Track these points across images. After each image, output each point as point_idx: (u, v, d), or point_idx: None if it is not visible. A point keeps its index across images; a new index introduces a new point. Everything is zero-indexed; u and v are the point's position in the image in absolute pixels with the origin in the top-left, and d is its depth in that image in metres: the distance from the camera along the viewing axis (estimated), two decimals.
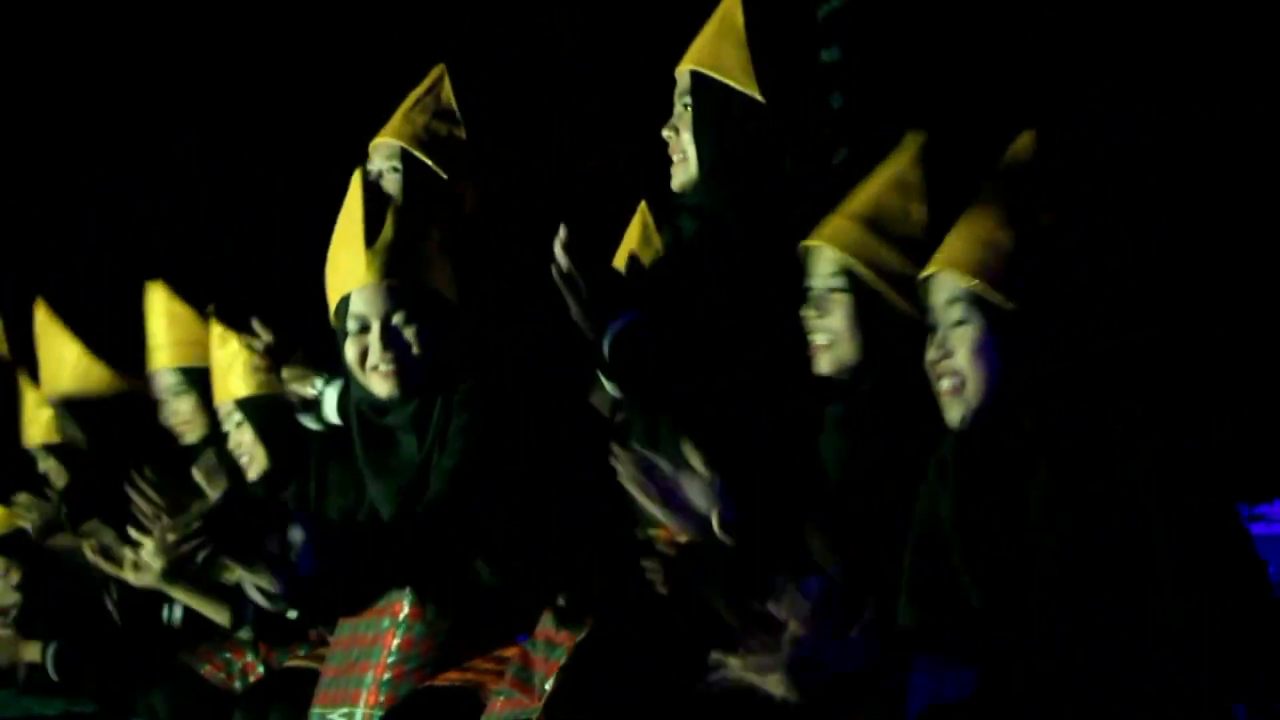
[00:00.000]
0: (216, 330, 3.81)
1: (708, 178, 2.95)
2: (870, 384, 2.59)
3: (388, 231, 3.03)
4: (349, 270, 3.04)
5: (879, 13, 4.50)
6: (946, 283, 2.31)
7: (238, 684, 3.66)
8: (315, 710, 3.18)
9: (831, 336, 2.60)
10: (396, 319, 3.01)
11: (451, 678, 3.10)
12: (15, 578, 4.28)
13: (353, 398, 3.10)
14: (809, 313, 2.63)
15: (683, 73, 3.03)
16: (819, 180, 3.02)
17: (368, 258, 3.01)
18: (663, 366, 2.89)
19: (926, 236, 2.49)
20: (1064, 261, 2.27)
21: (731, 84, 2.96)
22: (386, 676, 3.13)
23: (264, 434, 3.72)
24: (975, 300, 2.28)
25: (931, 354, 2.33)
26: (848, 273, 2.59)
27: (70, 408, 4.26)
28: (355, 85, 5.57)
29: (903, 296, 2.53)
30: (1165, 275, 3.84)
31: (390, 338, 3.00)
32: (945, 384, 2.32)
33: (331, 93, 5.63)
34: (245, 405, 3.72)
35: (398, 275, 3.01)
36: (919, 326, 2.37)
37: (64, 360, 4.26)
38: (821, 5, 4.56)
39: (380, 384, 3.02)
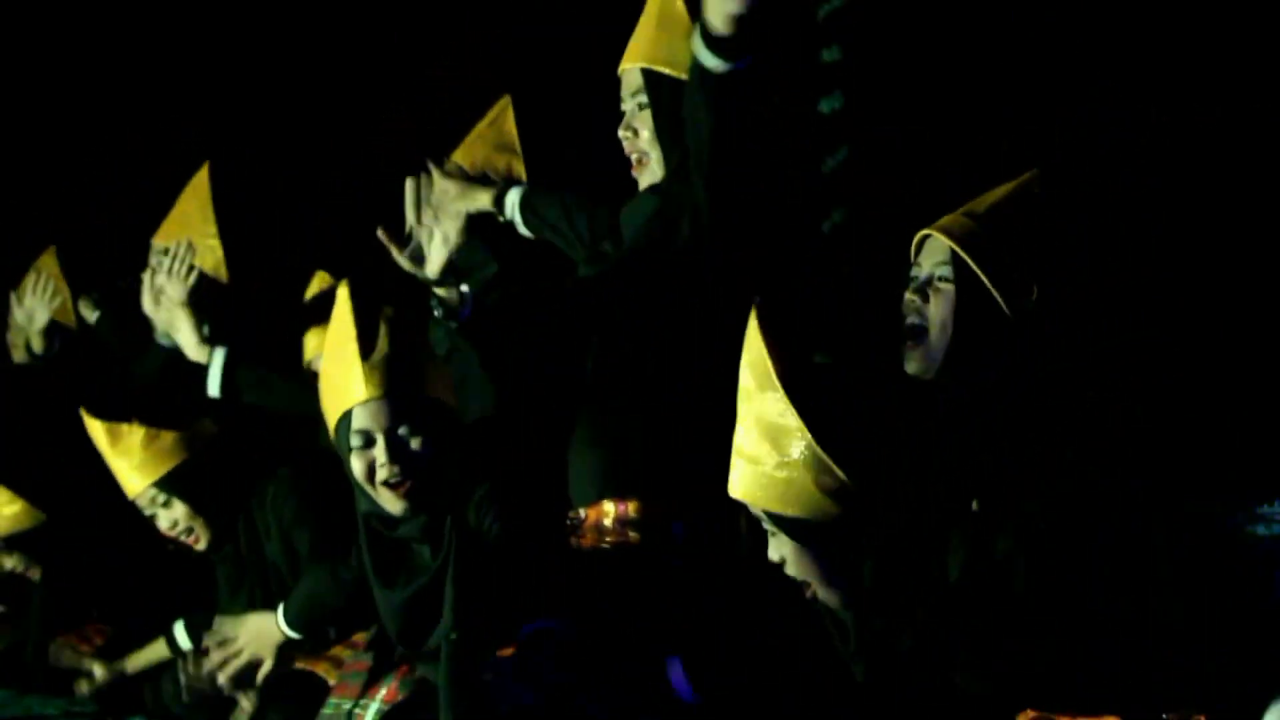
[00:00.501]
0: (101, 432, 3.75)
1: (675, 175, 2.92)
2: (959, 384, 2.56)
3: (382, 343, 3.00)
4: (347, 386, 3.01)
5: (879, 13, 4.49)
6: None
7: None
8: (332, 700, 3.19)
9: (928, 325, 2.57)
10: (401, 431, 2.99)
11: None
12: (35, 574, 4.31)
13: (360, 510, 3.09)
14: (911, 297, 2.61)
15: (630, 70, 2.97)
16: (817, 180, 3.02)
17: (365, 371, 2.99)
18: (641, 369, 2.89)
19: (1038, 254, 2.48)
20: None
21: (685, 78, 2.90)
22: (409, 676, 3.13)
23: (196, 503, 3.70)
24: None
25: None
26: (957, 263, 2.56)
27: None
28: (356, 86, 5.57)
29: (1006, 298, 2.51)
30: (1165, 275, 3.84)
31: (396, 450, 2.98)
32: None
33: (330, 94, 5.63)
34: (166, 483, 3.69)
35: (398, 387, 3.00)
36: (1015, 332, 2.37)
37: (192, 223, 4.25)
38: (822, 5, 4.56)
39: (391, 501, 3.01)
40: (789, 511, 2.31)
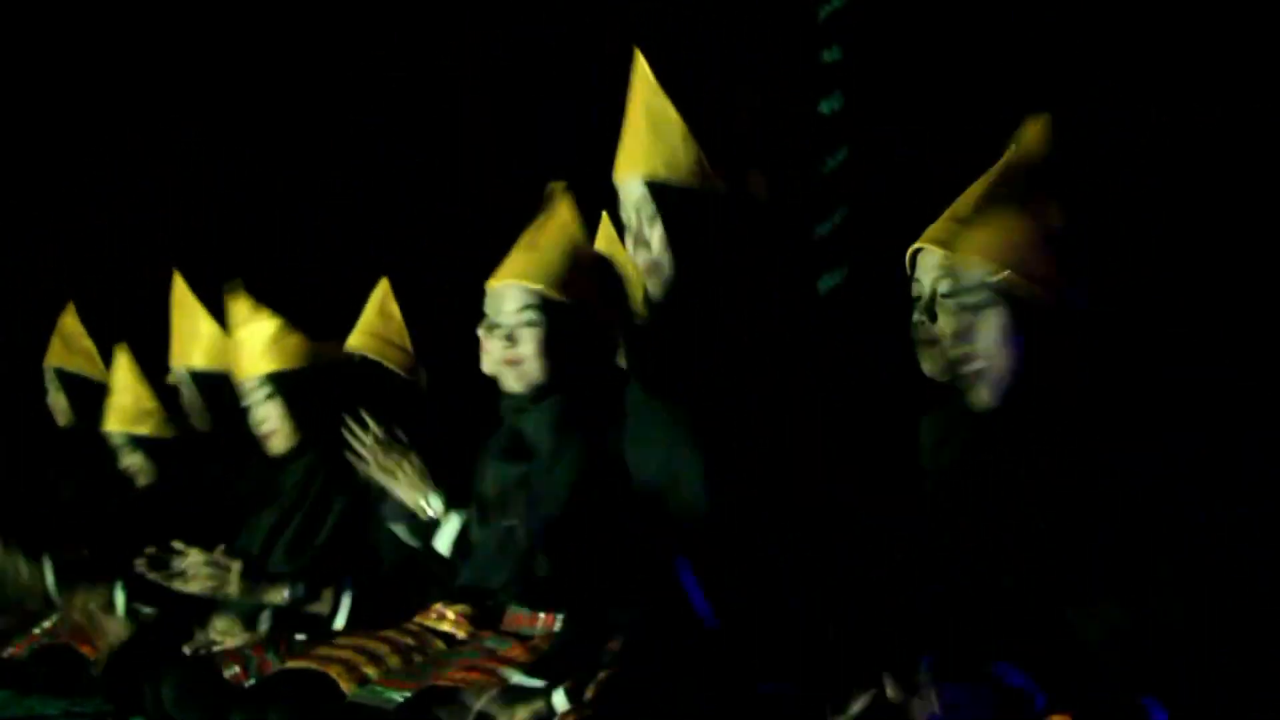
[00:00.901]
0: (243, 306, 3.84)
1: (693, 282, 2.82)
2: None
3: (539, 236, 3.13)
4: (503, 265, 3.18)
5: (879, 13, 4.50)
6: (970, 266, 2.29)
7: (252, 681, 3.63)
8: (376, 686, 3.19)
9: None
10: (521, 317, 3.12)
11: (456, 678, 3.10)
12: (144, 480, 4.51)
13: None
14: (919, 318, 2.54)
15: (631, 183, 2.86)
16: (818, 182, 3.01)
17: (513, 258, 3.15)
18: (677, 371, 2.85)
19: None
20: (1083, 255, 2.25)
21: (693, 186, 2.79)
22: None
23: (294, 408, 3.81)
24: (1001, 290, 2.26)
25: (945, 332, 2.33)
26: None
27: (197, 380, 4.30)
28: (357, 83, 5.58)
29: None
30: (1165, 275, 3.84)
31: (510, 336, 3.13)
32: (968, 369, 2.30)
33: (332, 89, 5.63)
34: (278, 379, 3.80)
35: (529, 279, 3.13)
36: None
37: (197, 335, 4.26)
38: (822, 5, 4.56)
39: (506, 378, 3.16)
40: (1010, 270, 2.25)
